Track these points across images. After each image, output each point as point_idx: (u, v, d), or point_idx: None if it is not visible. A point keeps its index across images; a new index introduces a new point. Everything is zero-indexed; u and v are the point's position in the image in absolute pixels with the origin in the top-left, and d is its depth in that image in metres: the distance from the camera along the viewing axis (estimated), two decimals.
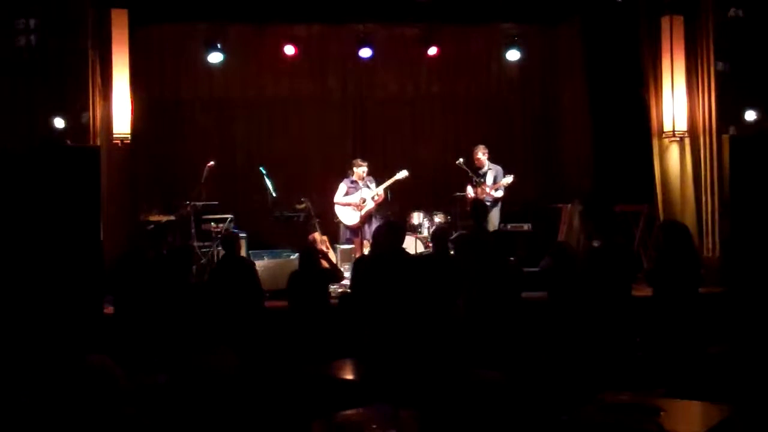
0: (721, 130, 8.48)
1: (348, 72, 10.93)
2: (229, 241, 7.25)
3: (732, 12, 8.24)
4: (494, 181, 9.36)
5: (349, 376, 5.29)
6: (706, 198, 8.65)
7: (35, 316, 6.44)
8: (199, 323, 6.14)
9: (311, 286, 6.73)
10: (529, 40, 10.61)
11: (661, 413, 3.86)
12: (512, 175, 9.29)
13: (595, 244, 6.69)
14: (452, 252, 7.04)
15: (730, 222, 7.97)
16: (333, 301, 7.83)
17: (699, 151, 8.78)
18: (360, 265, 6.84)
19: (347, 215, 9.48)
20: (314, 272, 6.83)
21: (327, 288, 6.99)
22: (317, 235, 9.43)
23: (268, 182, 9.48)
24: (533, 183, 10.55)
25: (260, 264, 8.11)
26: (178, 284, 6.53)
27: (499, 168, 9.46)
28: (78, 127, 7.97)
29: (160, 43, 10.52)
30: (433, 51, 10.45)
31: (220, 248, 8.67)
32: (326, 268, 7.22)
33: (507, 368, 4.90)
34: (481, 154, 9.53)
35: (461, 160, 9.45)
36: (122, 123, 8.60)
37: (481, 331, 5.94)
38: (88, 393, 3.34)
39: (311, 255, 6.97)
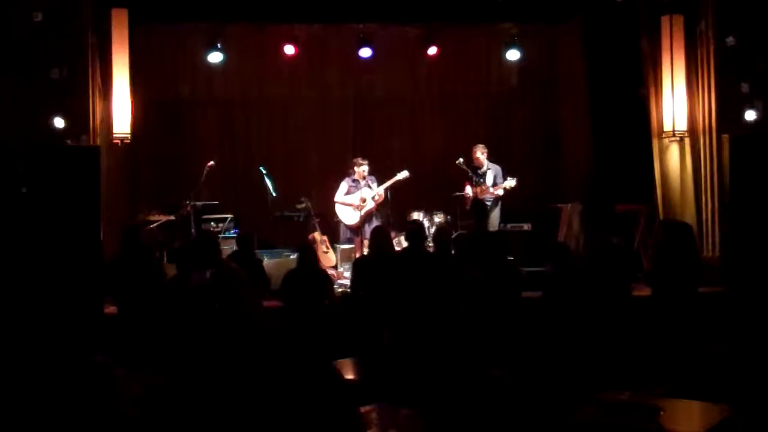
0: (721, 130, 8.47)
1: (348, 72, 10.92)
2: (243, 240, 7.25)
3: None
4: (494, 181, 9.33)
5: (349, 376, 5.28)
6: (706, 198, 8.64)
7: (35, 316, 6.44)
8: (201, 322, 6.13)
9: (309, 285, 6.63)
10: (529, 40, 10.60)
11: (661, 413, 3.86)
12: (515, 179, 9.18)
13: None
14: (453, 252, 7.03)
15: (730, 222, 7.96)
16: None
17: (699, 151, 8.77)
18: (360, 265, 6.85)
19: (347, 215, 9.47)
20: (313, 271, 6.76)
21: (324, 288, 6.80)
22: (317, 235, 9.43)
23: (268, 182, 9.48)
24: (533, 183, 10.54)
25: None
26: (182, 282, 6.52)
27: (498, 168, 9.43)
28: (78, 127, 7.96)
29: (160, 43, 10.52)
30: (433, 51, 10.44)
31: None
32: (324, 270, 7.17)
33: (507, 367, 4.89)
34: (480, 154, 9.49)
35: (461, 160, 9.43)
36: (122, 123, 8.60)
37: (481, 330, 5.94)
38: (88, 393, 3.34)
39: (310, 252, 6.91)
